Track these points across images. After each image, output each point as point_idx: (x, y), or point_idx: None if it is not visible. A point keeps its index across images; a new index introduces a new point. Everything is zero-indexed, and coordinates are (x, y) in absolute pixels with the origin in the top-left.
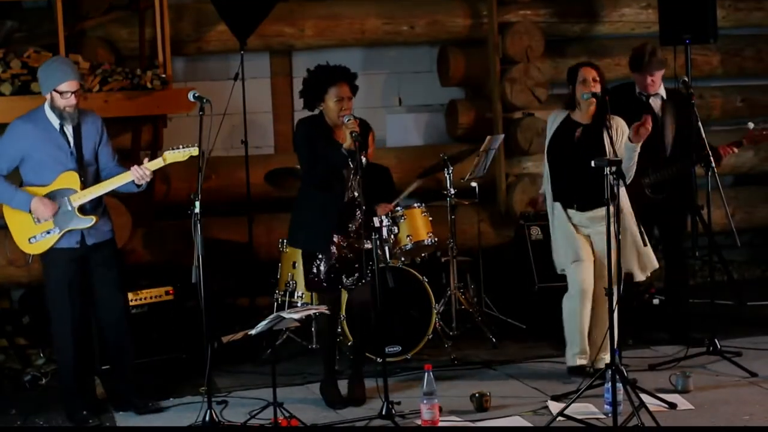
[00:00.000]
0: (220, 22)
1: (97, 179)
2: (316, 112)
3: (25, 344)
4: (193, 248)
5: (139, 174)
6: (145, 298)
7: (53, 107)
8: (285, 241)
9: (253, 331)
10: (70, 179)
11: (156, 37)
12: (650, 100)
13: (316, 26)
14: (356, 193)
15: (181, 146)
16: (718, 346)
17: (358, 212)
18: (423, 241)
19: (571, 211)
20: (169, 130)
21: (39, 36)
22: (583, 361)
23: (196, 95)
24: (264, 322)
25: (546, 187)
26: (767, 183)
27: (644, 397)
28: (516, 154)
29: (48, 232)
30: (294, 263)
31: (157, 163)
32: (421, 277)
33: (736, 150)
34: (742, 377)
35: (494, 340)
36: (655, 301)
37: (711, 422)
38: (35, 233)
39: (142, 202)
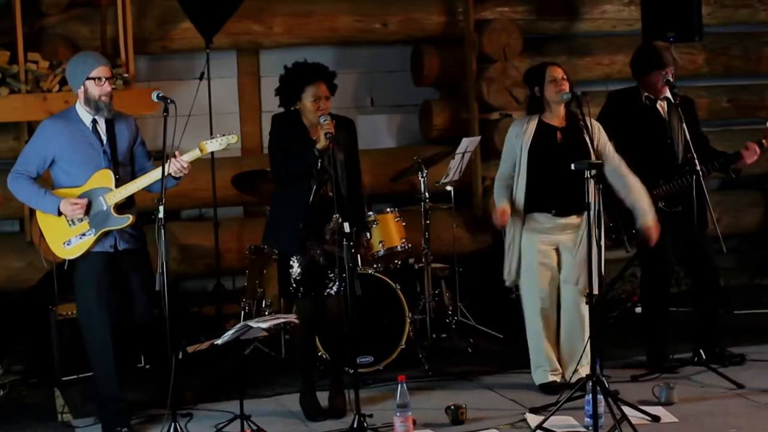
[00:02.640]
0: (185, 20)
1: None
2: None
3: None
4: (156, 255)
5: (178, 166)
6: None
7: (88, 100)
8: (253, 247)
9: (219, 341)
10: (104, 177)
11: (118, 34)
12: (657, 104)
13: (286, 23)
14: (330, 194)
15: (218, 135)
16: (704, 357)
17: (335, 216)
18: (396, 247)
19: (543, 217)
20: None
21: None
22: (555, 377)
23: (160, 95)
24: (231, 332)
25: (518, 194)
26: (754, 187)
27: (626, 409)
28: (493, 156)
29: (83, 235)
30: (263, 270)
31: (194, 154)
32: (394, 285)
33: (758, 150)
34: (728, 389)
35: (470, 350)
36: (638, 310)
37: None
38: (70, 236)
39: None
